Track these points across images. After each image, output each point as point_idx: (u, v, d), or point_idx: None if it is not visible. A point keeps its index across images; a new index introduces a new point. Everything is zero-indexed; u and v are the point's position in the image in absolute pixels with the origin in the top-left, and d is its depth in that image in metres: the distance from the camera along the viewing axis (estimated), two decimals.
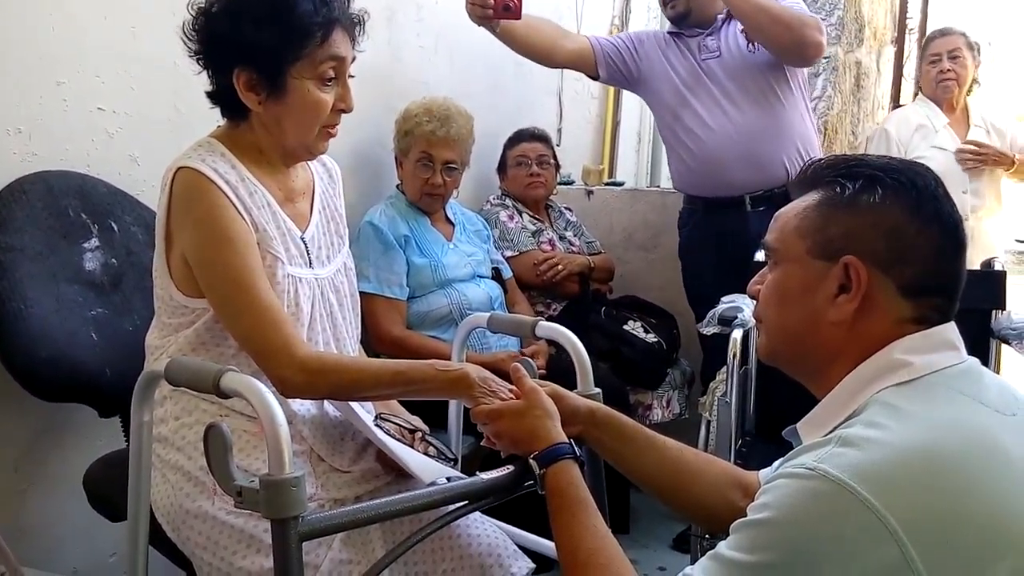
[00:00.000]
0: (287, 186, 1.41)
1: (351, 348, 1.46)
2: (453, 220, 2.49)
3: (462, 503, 1.16)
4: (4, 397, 1.59)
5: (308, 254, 1.39)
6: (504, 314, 2.12)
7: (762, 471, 1.14)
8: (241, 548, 1.20)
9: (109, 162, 1.78)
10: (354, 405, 1.34)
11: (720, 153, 2.46)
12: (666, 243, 2.94)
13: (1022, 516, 0.80)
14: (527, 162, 2.82)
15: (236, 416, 1.30)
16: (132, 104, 1.83)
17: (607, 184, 3.44)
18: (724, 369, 2.01)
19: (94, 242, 1.66)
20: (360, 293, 1.54)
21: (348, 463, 1.35)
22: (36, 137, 1.65)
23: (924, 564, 0.76)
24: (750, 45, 2.44)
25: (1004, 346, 2.23)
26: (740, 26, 2.46)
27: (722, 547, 0.84)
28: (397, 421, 1.38)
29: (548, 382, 1.26)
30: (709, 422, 2.15)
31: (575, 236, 2.92)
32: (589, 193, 3.28)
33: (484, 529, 1.35)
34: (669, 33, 2.59)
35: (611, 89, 3.79)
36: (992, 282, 2.30)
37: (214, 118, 1.39)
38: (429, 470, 1.29)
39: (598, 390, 1.39)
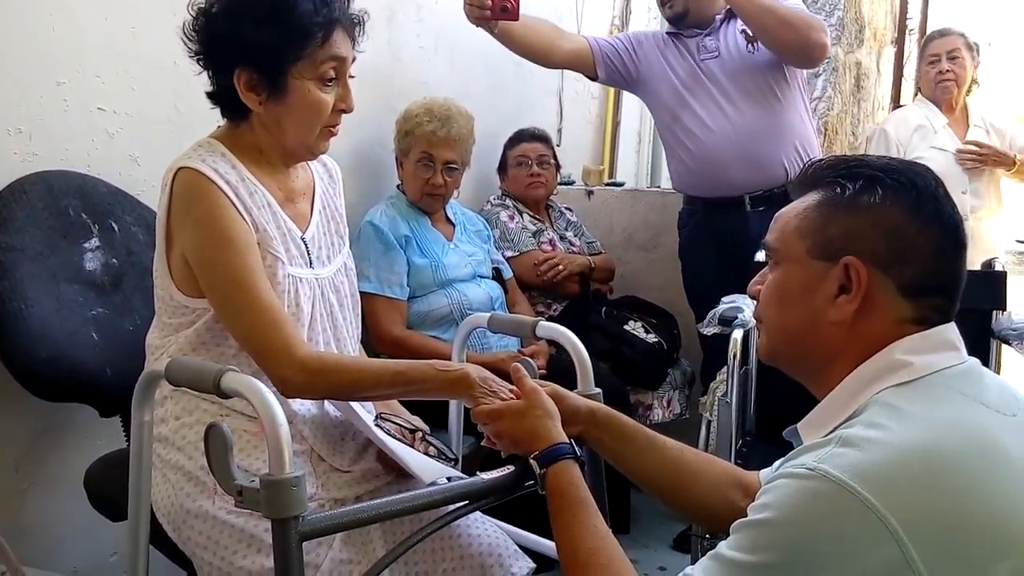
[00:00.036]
0: (287, 186, 1.41)
1: (351, 348, 1.46)
2: (453, 220, 2.49)
3: (462, 503, 1.16)
4: (4, 397, 1.59)
5: (308, 254, 1.39)
6: (504, 314, 2.12)
7: (762, 471, 1.14)
8: (242, 548, 1.20)
9: (109, 162, 1.78)
10: (354, 405, 1.34)
11: (719, 153, 2.46)
12: (666, 243, 2.94)
13: (1022, 516, 0.80)
14: (527, 162, 2.82)
15: (236, 416, 1.30)
16: (132, 104, 1.83)
17: (607, 184, 3.45)
18: (724, 369, 2.01)
19: (94, 242, 1.66)
20: (361, 293, 1.54)
21: (348, 463, 1.35)
22: (36, 137, 1.66)
23: (924, 564, 0.76)
24: (749, 45, 2.44)
25: (1004, 346, 2.23)
26: (739, 26, 2.46)
27: (722, 547, 0.84)
28: (398, 421, 1.38)
29: (548, 382, 1.26)
30: (709, 422, 2.15)
31: (575, 236, 2.92)
32: (589, 193, 3.28)
33: (484, 529, 1.35)
34: (668, 34, 2.59)
35: (611, 89, 3.79)
36: (992, 282, 2.30)
37: (214, 118, 1.39)
38: (429, 470, 1.29)
39: (598, 390, 1.39)
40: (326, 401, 1.37)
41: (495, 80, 3.07)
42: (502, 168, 2.90)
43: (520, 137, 2.88)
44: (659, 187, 3.87)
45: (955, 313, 0.94)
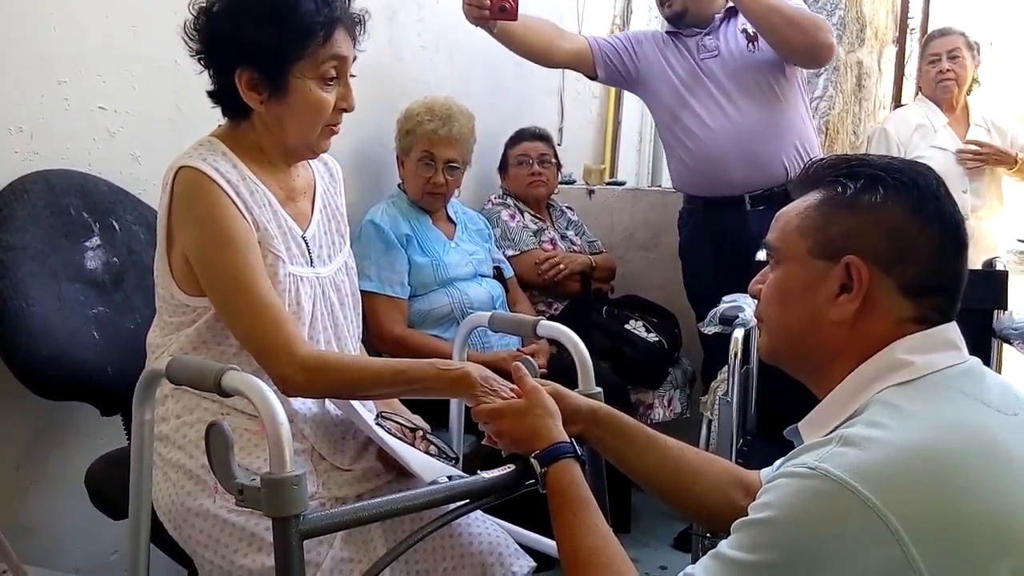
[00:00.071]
0: (288, 185, 1.41)
1: (352, 347, 1.46)
2: (454, 219, 2.49)
3: (463, 502, 1.16)
4: (5, 395, 1.59)
5: (309, 253, 1.39)
6: (505, 313, 2.12)
7: (763, 470, 1.14)
8: (242, 546, 1.20)
9: (110, 161, 1.78)
10: (355, 404, 1.34)
11: (719, 152, 2.46)
12: (667, 242, 2.94)
13: (1023, 515, 0.80)
14: (528, 161, 2.82)
15: (237, 415, 1.30)
16: (133, 103, 1.83)
17: (608, 183, 3.45)
18: (725, 368, 2.02)
19: (95, 241, 1.66)
20: (362, 292, 1.55)
21: (349, 462, 1.35)
22: (37, 136, 1.66)
23: (925, 563, 0.76)
24: (749, 44, 2.44)
25: (1006, 346, 2.23)
26: (739, 25, 2.46)
27: (723, 546, 0.84)
28: (398, 420, 1.38)
29: (549, 381, 1.26)
30: (710, 421, 2.15)
31: (576, 235, 2.92)
32: (590, 192, 3.28)
33: (485, 528, 1.35)
34: (668, 33, 2.59)
35: (612, 89, 3.79)
36: (994, 282, 2.30)
37: (215, 117, 1.39)
38: (430, 469, 1.29)
39: (599, 389, 1.39)
40: (327, 400, 1.37)
41: (496, 79, 3.07)
42: (503, 167, 2.90)
43: (521, 136, 2.88)
44: (660, 186, 3.87)
45: (956, 312, 0.94)
